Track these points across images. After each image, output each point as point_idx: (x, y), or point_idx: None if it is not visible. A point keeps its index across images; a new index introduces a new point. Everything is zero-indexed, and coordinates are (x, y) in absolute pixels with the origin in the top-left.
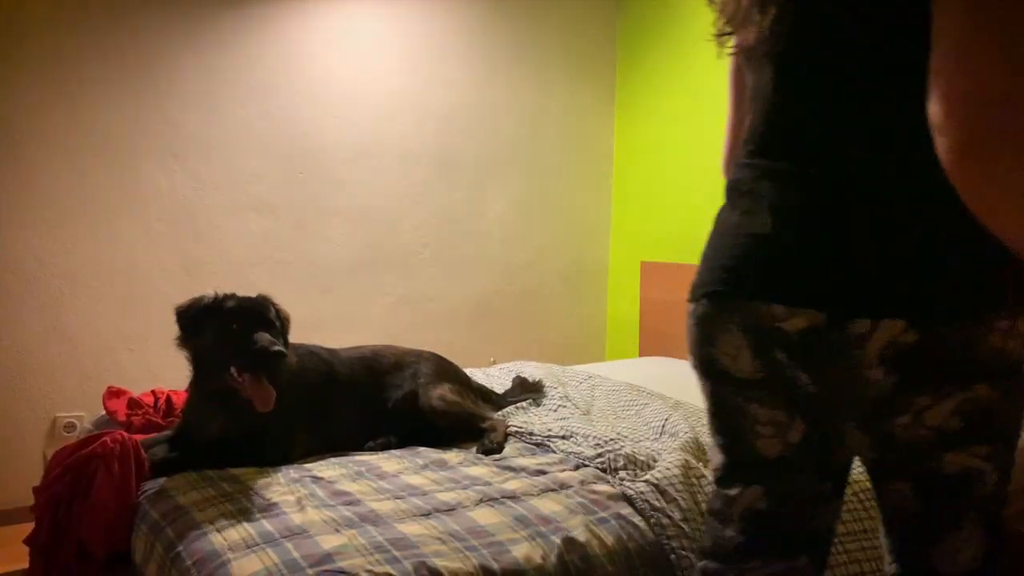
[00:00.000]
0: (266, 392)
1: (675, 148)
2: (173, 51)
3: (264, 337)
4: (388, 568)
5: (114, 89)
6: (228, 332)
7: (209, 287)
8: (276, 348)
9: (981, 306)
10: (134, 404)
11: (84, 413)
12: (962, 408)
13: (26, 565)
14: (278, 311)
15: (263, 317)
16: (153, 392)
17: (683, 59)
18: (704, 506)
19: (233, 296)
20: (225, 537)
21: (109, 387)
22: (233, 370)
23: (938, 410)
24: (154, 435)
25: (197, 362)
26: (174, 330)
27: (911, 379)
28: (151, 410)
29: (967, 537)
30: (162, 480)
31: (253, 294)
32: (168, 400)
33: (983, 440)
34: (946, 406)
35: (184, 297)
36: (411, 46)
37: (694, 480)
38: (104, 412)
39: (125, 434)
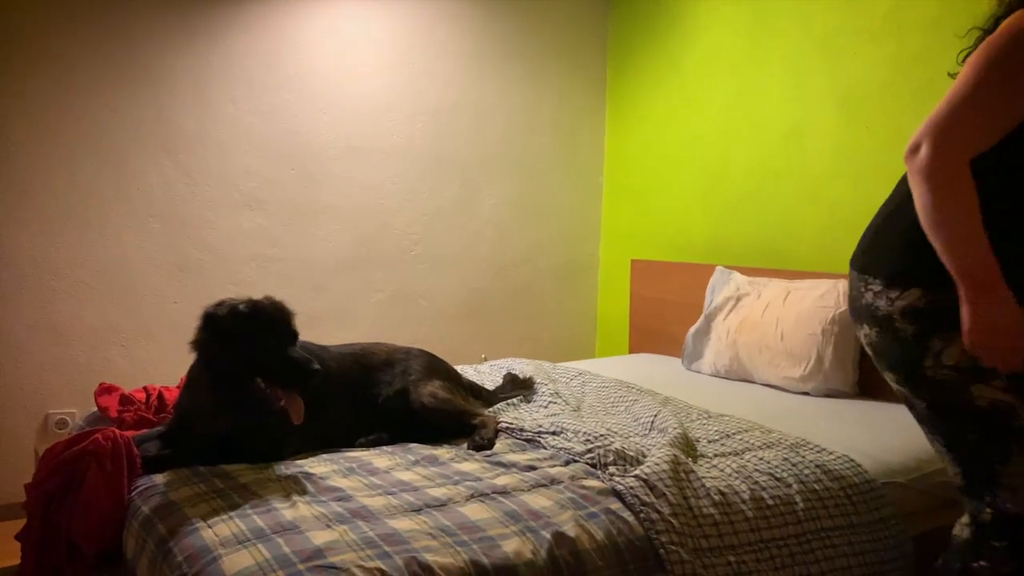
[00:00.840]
0: (300, 405)
1: (666, 147)
2: (165, 48)
3: (300, 354)
4: (379, 563)
5: (106, 86)
6: (263, 346)
7: (201, 284)
8: (315, 367)
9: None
10: (126, 400)
11: (76, 410)
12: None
13: (18, 561)
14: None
15: (290, 328)
16: (145, 388)
17: (674, 59)
18: (692, 501)
19: (264, 306)
20: (216, 532)
21: (101, 383)
22: (260, 381)
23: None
24: (146, 431)
25: (220, 368)
26: (167, 326)
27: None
28: (143, 406)
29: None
30: (154, 476)
31: (278, 298)
32: (160, 396)
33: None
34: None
35: (177, 294)
36: (402, 43)
37: (683, 475)
38: (96, 409)
39: (117, 431)
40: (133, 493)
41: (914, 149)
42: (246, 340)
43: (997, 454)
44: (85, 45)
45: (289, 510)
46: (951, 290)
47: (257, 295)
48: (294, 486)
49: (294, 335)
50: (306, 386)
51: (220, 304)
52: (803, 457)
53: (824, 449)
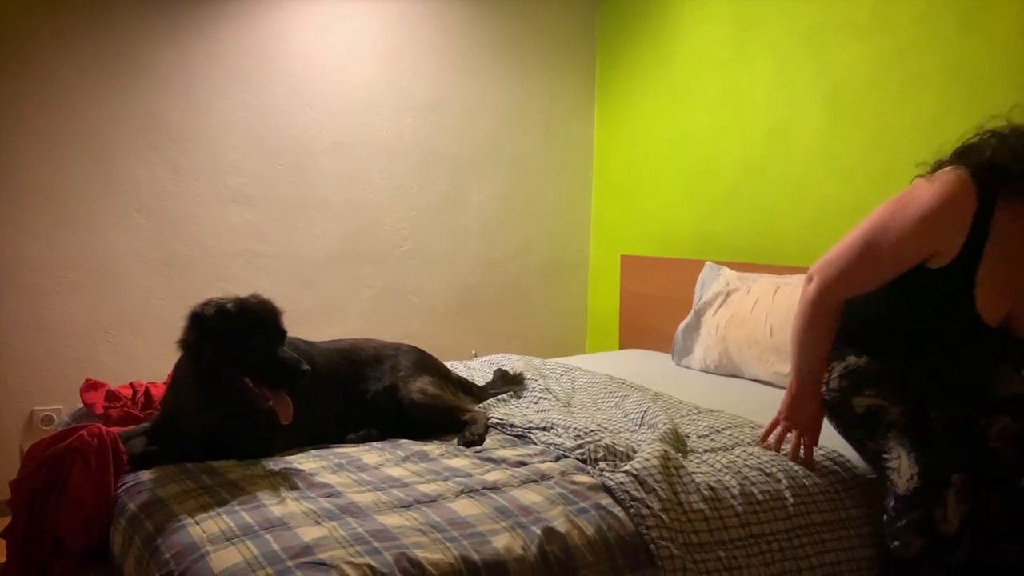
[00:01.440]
0: (289, 405)
1: (655, 143)
2: (153, 41)
3: (288, 354)
4: (368, 560)
5: (92, 79)
6: (251, 345)
7: (188, 280)
8: (304, 367)
9: None
10: (112, 397)
11: (62, 406)
12: None
13: (2, 558)
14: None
15: (279, 327)
16: (131, 384)
17: (663, 55)
18: (683, 496)
19: (252, 304)
20: (204, 529)
21: (87, 380)
22: (248, 380)
23: None
24: (132, 427)
25: (208, 367)
26: (154, 323)
27: None
28: (129, 402)
29: None
30: (141, 473)
31: (265, 296)
32: (147, 392)
33: None
34: None
35: (164, 290)
36: (391, 39)
37: (673, 471)
38: (82, 405)
39: (103, 427)
40: (120, 490)
41: (808, 279)
42: (233, 339)
43: (881, 447)
44: (72, 40)
45: (278, 506)
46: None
47: (245, 291)
48: (283, 482)
49: (282, 333)
50: (295, 386)
51: (207, 303)
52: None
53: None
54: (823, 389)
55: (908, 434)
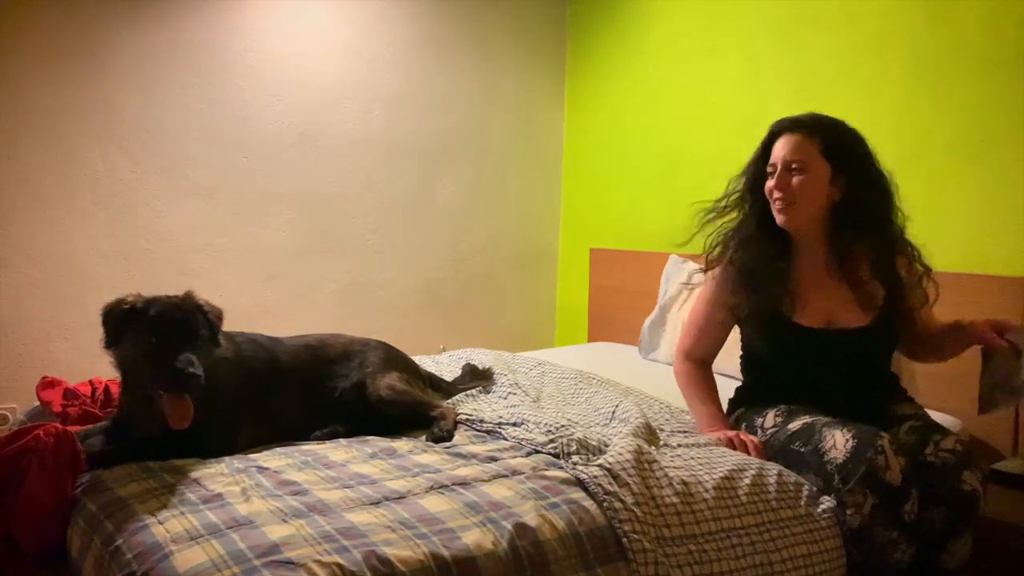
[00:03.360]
0: (183, 411)
1: (624, 136)
2: (111, 29)
3: (185, 359)
4: (337, 558)
5: (48, 67)
6: (147, 347)
7: (149, 274)
8: (191, 371)
9: None
10: (70, 394)
11: (16, 405)
12: None
13: None
14: (206, 314)
15: (187, 328)
16: (91, 382)
17: (633, 48)
18: (655, 490)
19: (156, 303)
20: (167, 528)
21: (43, 377)
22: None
23: None
24: (91, 426)
25: (120, 368)
26: None
27: None
28: (88, 400)
29: None
30: (100, 472)
31: (180, 293)
32: (106, 390)
33: None
34: None
35: (124, 284)
36: (357, 29)
37: (646, 465)
38: (38, 403)
39: (60, 426)
40: (78, 490)
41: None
42: (134, 341)
43: (818, 441)
44: (27, 27)
45: (243, 505)
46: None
47: (208, 285)
48: (248, 480)
49: (189, 335)
50: (188, 393)
51: (113, 301)
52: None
53: None
54: (760, 435)
55: (839, 422)
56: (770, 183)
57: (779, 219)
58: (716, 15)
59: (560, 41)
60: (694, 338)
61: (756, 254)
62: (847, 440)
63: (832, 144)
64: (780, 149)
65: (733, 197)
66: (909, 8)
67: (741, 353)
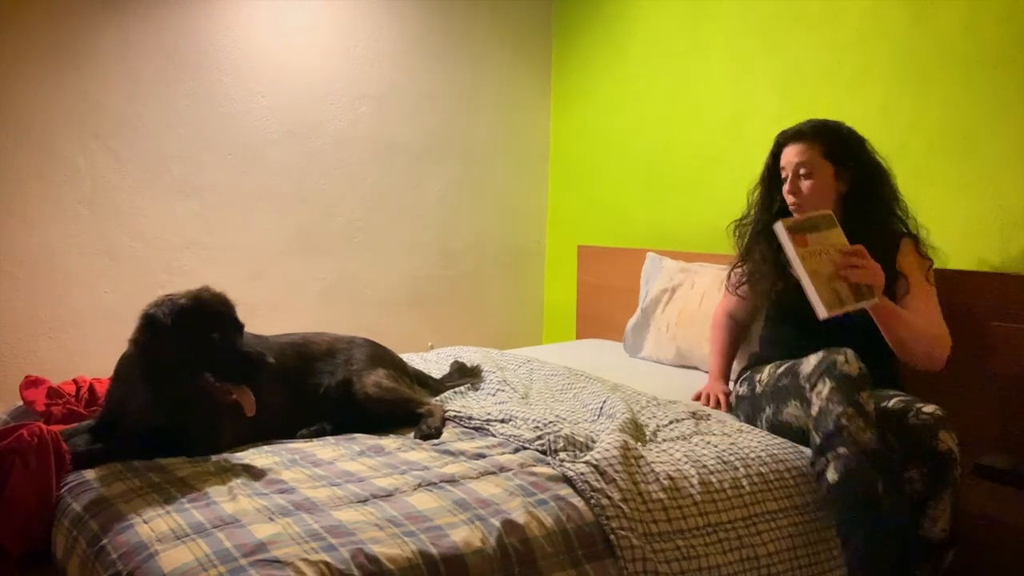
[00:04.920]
0: (252, 398)
1: (611, 133)
2: (93, 25)
3: (251, 347)
4: (324, 556)
5: (28, 64)
6: (210, 340)
7: (133, 272)
8: (270, 360)
9: None
10: (54, 393)
11: None
12: None
13: None
14: (234, 307)
15: (235, 320)
16: (75, 381)
17: (618, 45)
18: (642, 486)
19: (206, 299)
20: (153, 528)
21: (27, 376)
22: (209, 376)
23: None
24: (75, 425)
25: (167, 367)
26: (98, 316)
27: None
28: (72, 399)
29: None
30: (84, 472)
31: (217, 289)
32: (91, 389)
33: None
34: None
35: (107, 283)
36: (344, 25)
37: (632, 461)
38: (21, 403)
39: (43, 426)
40: (62, 490)
41: None
42: (191, 337)
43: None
44: (6, 22)
45: (229, 504)
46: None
47: (192, 284)
48: (234, 479)
49: (240, 326)
50: (258, 379)
51: (160, 303)
52: (749, 441)
53: (770, 434)
54: (757, 388)
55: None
56: (785, 187)
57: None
58: (701, 14)
59: (546, 39)
60: (729, 299)
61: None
62: (817, 356)
63: (831, 146)
64: (788, 157)
65: (756, 203)
66: (892, 7)
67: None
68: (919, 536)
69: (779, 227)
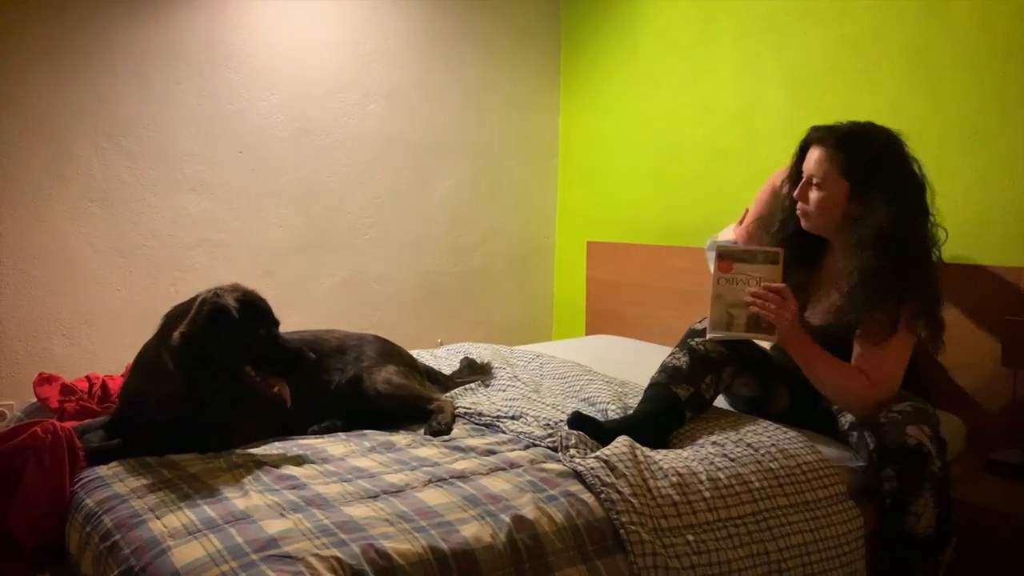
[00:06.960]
0: (288, 391)
1: (620, 128)
2: (106, 25)
3: (293, 342)
4: (335, 551)
5: (42, 64)
6: (259, 334)
7: (145, 270)
8: (311, 355)
9: None
10: (67, 390)
11: (14, 401)
12: None
13: None
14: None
15: (272, 316)
16: (88, 378)
17: (628, 41)
18: (651, 482)
19: (253, 294)
20: (165, 523)
21: (40, 373)
22: (250, 369)
23: None
24: (88, 421)
25: (216, 359)
26: (110, 314)
27: None
28: (85, 396)
29: None
30: (98, 468)
31: (249, 288)
32: (104, 385)
33: None
34: None
35: (120, 281)
36: (352, 23)
37: (641, 457)
38: (35, 400)
39: (57, 422)
40: (76, 486)
41: None
42: (244, 330)
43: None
44: (18, 22)
45: (241, 499)
46: None
47: (204, 281)
48: (246, 475)
49: (278, 322)
50: (300, 373)
51: (219, 295)
52: (759, 437)
53: (779, 428)
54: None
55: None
56: (796, 190)
57: (802, 223)
58: (710, 9)
59: (555, 35)
60: None
61: (792, 244)
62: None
63: (854, 163)
64: (809, 160)
65: (784, 199)
66: (902, 1)
67: None
68: (905, 533)
69: (715, 247)
